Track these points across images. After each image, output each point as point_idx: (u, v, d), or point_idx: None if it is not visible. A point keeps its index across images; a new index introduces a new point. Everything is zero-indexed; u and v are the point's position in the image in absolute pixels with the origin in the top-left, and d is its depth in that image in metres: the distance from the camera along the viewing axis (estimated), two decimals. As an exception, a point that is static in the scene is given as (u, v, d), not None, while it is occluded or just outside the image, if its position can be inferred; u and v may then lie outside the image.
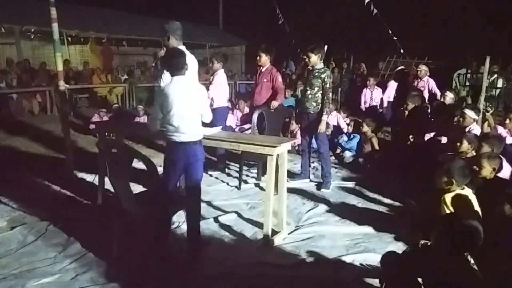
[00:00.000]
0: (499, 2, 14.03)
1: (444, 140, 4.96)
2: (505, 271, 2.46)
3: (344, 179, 5.15)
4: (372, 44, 14.99)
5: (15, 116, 9.00)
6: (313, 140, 4.85)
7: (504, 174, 3.56)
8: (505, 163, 3.60)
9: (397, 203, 4.24)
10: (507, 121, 4.93)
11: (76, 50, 13.95)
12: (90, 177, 4.80)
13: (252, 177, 5.10)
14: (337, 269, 2.93)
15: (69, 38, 12.20)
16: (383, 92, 8.32)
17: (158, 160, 5.31)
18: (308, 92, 4.60)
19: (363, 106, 8.42)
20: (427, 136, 5.31)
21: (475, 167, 3.36)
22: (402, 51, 11.75)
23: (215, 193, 4.50)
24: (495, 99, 8.13)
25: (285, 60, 15.29)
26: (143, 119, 7.85)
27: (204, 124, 3.12)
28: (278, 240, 3.34)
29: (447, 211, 2.85)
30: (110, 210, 3.58)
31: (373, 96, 8.32)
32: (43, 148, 6.36)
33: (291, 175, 4.94)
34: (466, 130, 4.51)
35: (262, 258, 3.06)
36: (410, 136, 5.43)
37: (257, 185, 4.82)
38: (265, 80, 5.21)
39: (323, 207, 4.10)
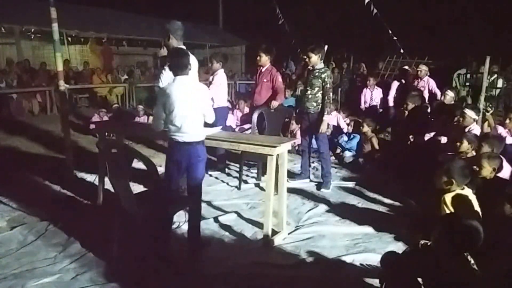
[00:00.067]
0: (499, 2, 14.03)
1: (444, 140, 4.96)
2: (505, 271, 2.46)
3: (344, 179, 5.15)
4: (372, 44, 14.99)
5: (15, 116, 9.01)
6: (313, 140, 4.86)
7: (504, 174, 3.56)
8: (505, 163, 3.60)
9: (397, 203, 4.24)
10: (507, 121, 4.93)
11: (76, 50, 13.96)
12: (90, 177, 4.80)
13: (252, 177, 5.10)
14: (337, 269, 2.93)
15: (69, 38, 12.21)
16: (384, 92, 8.32)
17: (158, 160, 5.34)
18: (309, 92, 4.60)
19: (363, 106, 8.42)
20: (427, 136, 5.31)
21: (475, 167, 3.36)
22: (402, 51, 11.75)
23: (215, 193, 4.50)
24: (495, 99, 8.15)
25: (285, 60, 15.29)
26: (143, 119, 7.85)
27: (204, 124, 3.12)
28: (278, 240, 3.34)
29: (447, 211, 2.85)
30: (110, 210, 3.59)
31: (373, 96, 8.32)
32: (43, 148, 6.36)
33: (291, 175, 4.94)
34: (466, 130, 4.51)
35: (262, 258, 3.06)
36: (410, 136, 5.44)
37: (257, 185, 4.82)
38: (265, 80, 5.21)
39: (323, 207, 4.10)
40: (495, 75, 8.32)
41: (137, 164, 3.93)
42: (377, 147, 5.89)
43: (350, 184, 4.88)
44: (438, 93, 6.88)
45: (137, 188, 4.01)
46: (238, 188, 4.69)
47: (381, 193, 4.49)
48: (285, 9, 13.14)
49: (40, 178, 4.84)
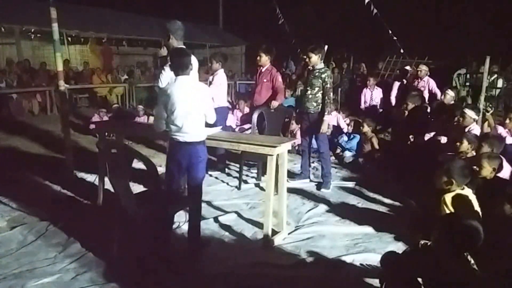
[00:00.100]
0: (499, 2, 14.03)
1: (444, 140, 4.96)
2: (505, 271, 2.46)
3: (344, 179, 5.15)
4: (372, 44, 14.99)
5: (15, 116, 9.01)
6: (313, 140, 4.86)
7: (504, 174, 3.56)
8: (505, 163, 3.60)
9: (397, 203, 4.24)
10: (507, 121, 4.93)
11: (76, 50, 13.97)
12: (90, 177, 4.80)
13: (252, 177, 5.10)
14: (337, 269, 2.93)
15: (69, 38, 12.21)
16: (384, 92, 8.32)
17: (158, 160, 5.34)
18: (309, 92, 4.60)
19: (363, 106, 8.42)
20: (427, 136, 5.31)
21: (475, 167, 3.36)
22: (402, 51, 11.74)
23: (215, 193, 4.50)
24: (495, 99, 8.14)
25: (285, 60, 15.29)
26: (143, 119, 7.85)
27: (205, 124, 3.12)
28: (278, 240, 3.34)
29: (447, 211, 2.85)
30: (110, 210, 3.59)
31: (373, 96, 8.32)
32: (43, 148, 6.36)
33: (291, 175, 4.95)
34: (466, 130, 4.51)
35: (262, 258, 3.06)
36: (410, 136, 5.44)
37: (257, 185, 4.82)
38: (265, 80, 5.21)
39: (323, 207, 4.10)
40: (495, 75, 8.32)
41: (137, 164, 3.94)
42: (377, 147, 5.89)
43: (350, 184, 4.88)
44: (438, 93, 6.88)
45: (137, 188, 4.01)
46: (238, 188, 4.69)
47: (381, 193, 4.49)
48: (285, 9, 13.14)
49: (40, 178, 4.84)
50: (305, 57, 5.03)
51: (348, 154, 6.01)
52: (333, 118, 6.88)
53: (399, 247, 3.11)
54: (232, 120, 7.54)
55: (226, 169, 5.38)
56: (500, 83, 8.41)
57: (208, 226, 3.57)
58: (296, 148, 6.07)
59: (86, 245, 3.19)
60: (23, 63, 10.99)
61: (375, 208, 4.17)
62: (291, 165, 5.36)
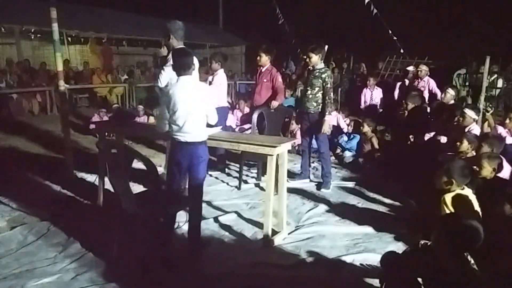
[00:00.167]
0: (499, 2, 14.02)
1: (444, 140, 4.96)
2: (505, 271, 2.46)
3: (344, 179, 5.15)
4: (372, 44, 14.98)
5: (15, 116, 9.01)
6: (313, 140, 4.86)
7: (504, 174, 3.56)
8: (505, 163, 3.60)
9: (397, 203, 4.24)
10: (507, 121, 4.93)
11: (76, 50, 13.96)
12: (90, 177, 4.80)
13: (252, 177, 5.10)
14: (337, 269, 2.93)
15: (69, 38, 12.21)
16: (384, 92, 8.32)
17: (158, 160, 5.35)
18: (309, 92, 4.60)
19: (363, 106, 8.42)
20: (427, 136, 5.32)
21: (475, 167, 3.36)
22: (402, 51, 11.74)
23: (215, 193, 4.50)
24: (495, 99, 8.13)
25: (285, 60, 15.28)
26: (143, 119, 7.86)
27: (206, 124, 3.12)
28: (278, 240, 3.34)
29: (447, 211, 2.85)
30: (110, 210, 3.59)
31: (373, 96, 8.31)
32: (43, 148, 6.36)
33: (291, 175, 4.94)
34: (466, 130, 4.51)
35: (262, 258, 3.06)
36: (410, 136, 5.43)
37: (257, 185, 4.82)
38: (265, 80, 5.21)
39: (323, 207, 4.10)
40: (495, 75, 8.31)
41: (137, 164, 3.93)
42: (377, 147, 5.89)
43: (350, 184, 4.88)
44: (438, 93, 6.88)
45: (137, 188, 4.01)
46: (238, 188, 4.69)
47: (381, 193, 4.49)
48: (285, 9, 13.14)
49: (40, 178, 4.84)
50: (305, 57, 5.02)
51: (348, 154, 6.01)
52: (333, 118, 6.88)
53: (399, 247, 3.11)
54: (232, 120, 7.54)
55: (226, 169, 5.38)
56: (500, 83, 8.40)
57: (208, 226, 3.57)
58: (296, 148, 6.07)
59: (86, 245, 3.19)
60: (23, 63, 10.99)
61: (375, 208, 4.17)
62: (291, 165, 5.36)
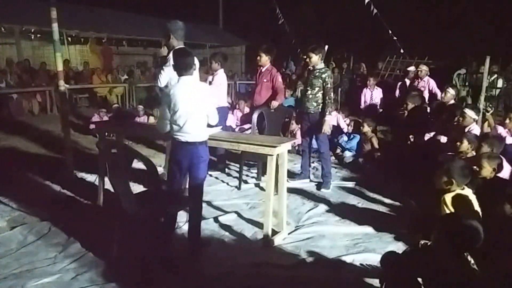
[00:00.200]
0: (499, 2, 14.03)
1: (443, 139, 4.97)
2: (505, 271, 2.46)
3: (344, 179, 5.15)
4: (372, 44, 14.98)
5: (15, 116, 9.01)
6: (313, 140, 4.86)
7: (504, 174, 3.56)
8: (505, 163, 3.60)
9: (397, 203, 4.24)
10: (507, 121, 4.92)
11: (76, 50, 13.97)
12: (90, 177, 4.81)
13: (252, 177, 5.10)
14: (337, 269, 2.93)
15: (69, 38, 12.21)
16: (384, 92, 8.33)
17: (158, 160, 5.35)
18: (309, 92, 4.59)
19: (363, 106, 8.42)
20: (427, 136, 5.32)
21: (475, 167, 3.36)
22: (402, 51, 11.74)
23: (215, 193, 4.50)
24: (495, 99, 8.14)
25: (285, 60, 15.28)
26: (143, 119, 7.86)
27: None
28: (278, 240, 3.34)
29: (447, 211, 2.85)
30: (110, 210, 3.59)
31: (373, 96, 8.32)
32: (43, 148, 6.36)
33: (291, 175, 4.94)
34: (466, 130, 4.51)
35: (262, 258, 3.05)
36: (410, 136, 5.43)
37: (257, 185, 4.82)
38: (265, 80, 5.21)
39: (323, 207, 4.10)
40: (495, 75, 8.32)
41: (137, 164, 3.93)
42: (377, 147, 5.89)
43: (350, 184, 4.88)
44: (438, 93, 6.88)
45: (137, 188, 4.01)
46: (238, 188, 4.69)
47: (381, 193, 4.49)
48: (285, 9, 13.14)
49: (40, 178, 4.84)
50: (305, 57, 5.02)
51: (348, 154, 6.00)
52: (333, 118, 6.88)
53: (399, 247, 3.11)
54: (232, 120, 7.54)
55: (226, 169, 5.38)
56: (500, 83, 8.41)
57: (208, 226, 3.57)
58: (296, 148, 6.07)
59: (86, 245, 3.19)
60: (23, 63, 10.99)
61: (375, 208, 4.17)
62: (291, 165, 5.36)
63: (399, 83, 8.00)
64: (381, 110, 8.11)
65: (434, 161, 3.92)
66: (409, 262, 2.26)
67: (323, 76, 4.50)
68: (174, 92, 2.89)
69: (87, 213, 3.87)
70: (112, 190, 3.04)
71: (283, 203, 3.45)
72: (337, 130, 6.79)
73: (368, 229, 3.57)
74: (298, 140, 5.58)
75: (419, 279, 2.14)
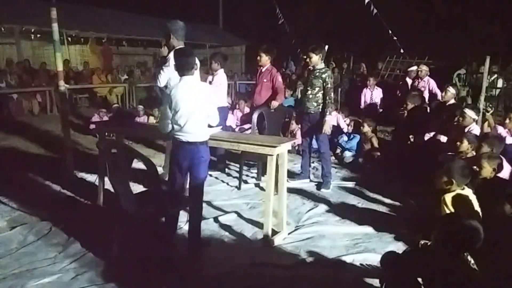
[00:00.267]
0: (499, 2, 14.03)
1: (443, 138, 4.97)
2: (505, 271, 2.46)
3: (344, 179, 5.15)
4: (372, 44, 14.98)
5: (15, 116, 9.00)
6: (313, 140, 4.86)
7: (504, 174, 3.56)
8: (505, 163, 3.60)
9: (397, 203, 4.24)
10: (507, 121, 4.92)
11: (76, 50, 13.96)
12: (90, 177, 4.80)
13: (252, 177, 5.10)
14: (337, 269, 2.93)
15: (69, 38, 12.20)
16: (384, 92, 8.33)
17: (158, 160, 5.34)
18: (309, 92, 4.59)
19: (363, 106, 8.42)
20: (427, 136, 5.32)
21: (475, 167, 3.36)
22: (402, 51, 11.74)
23: (215, 193, 4.50)
24: (495, 99, 8.14)
25: (285, 60, 15.28)
26: (143, 119, 7.86)
27: (206, 124, 3.12)
28: (278, 240, 3.34)
29: (447, 211, 2.85)
30: (110, 210, 3.59)
31: (373, 96, 8.32)
32: (43, 148, 6.36)
33: (291, 175, 4.94)
34: (466, 130, 4.51)
35: (262, 258, 3.06)
36: (410, 136, 5.43)
37: (257, 185, 4.82)
38: (265, 80, 5.21)
39: (323, 207, 4.10)
40: (495, 75, 8.31)
41: (137, 164, 3.93)
42: (377, 146, 5.89)
43: (350, 184, 4.88)
44: (439, 93, 6.88)
45: (137, 188, 4.01)
46: (238, 188, 4.69)
47: (381, 193, 4.49)
48: (285, 9, 13.14)
49: (40, 178, 4.84)
50: (305, 57, 5.03)
51: (348, 154, 6.00)
52: (333, 118, 6.87)
53: (399, 247, 3.11)
54: (232, 120, 7.54)
55: (226, 169, 5.38)
56: (500, 83, 8.41)
57: (208, 226, 3.57)
58: (296, 148, 6.07)
59: (86, 245, 3.19)
60: (23, 63, 10.99)
61: (375, 208, 4.16)
62: (291, 165, 5.36)
63: (400, 83, 7.99)
64: (381, 110, 8.11)
65: (434, 161, 3.93)
66: (409, 262, 2.26)
67: (323, 76, 4.50)
68: (175, 92, 2.89)
69: (87, 213, 3.87)
70: (112, 190, 3.04)
71: (283, 203, 3.45)
72: (337, 130, 6.79)
73: (368, 229, 3.56)
74: (298, 140, 5.58)
75: (419, 279, 2.14)
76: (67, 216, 3.72)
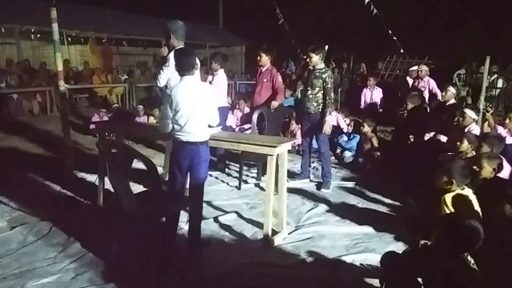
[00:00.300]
0: (499, 2, 14.03)
1: (443, 138, 4.97)
2: (505, 271, 2.47)
3: (344, 179, 5.15)
4: (372, 44, 14.98)
5: (15, 116, 9.00)
6: (313, 140, 4.86)
7: (504, 174, 3.56)
8: (505, 163, 3.61)
9: (397, 203, 4.24)
10: (507, 121, 4.92)
11: (76, 50, 13.97)
12: (90, 177, 4.80)
13: (252, 177, 5.10)
14: (337, 269, 2.93)
15: (69, 38, 12.21)
16: (384, 92, 8.33)
17: (158, 160, 5.34)
18: (309, 92, 4.59)
19: (363, 106, 8.42)
20: (427, 136, 5.32)
21: (475, 167, 3.36)
22: (402, 51, 11.74)
23: (215, 193, 4.50)
24: (495, 99, 8.13)
25: (285, 60, 15.28)
26: (143, 119, 7.86)
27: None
28: (278, 240, 3.34)
29: (447, 211, 2.85)
30: (110, 210, 3.59)
31: (373, 96, 8.32)
32: (43, 148, 6.36)
33: (291, 175, 4.94)
34: (466, 130, 4.51)
35: (262, 258, 3.06)
36: (410, 136, 5.43)
37: (257, 185, 4.82)
38: (265, 80, 5.21)
39: (323, 207, 4.10)
40: (495, 75, 8.31)
41: (137, 164, 3.93)
42: (377, 146, 5.88)
43: (350, 184, 4.88)
44: (439, 93, 6.88)
45: (137, 188, 4.01)
46: (238, 188, 4.69)
47: (381, 193, 4.49)
48: (285, 9, 13.13)
49: (40, 178, 4.84)
50: (305, 57, 5.02)
51: (348, 154, 6.00)
52: (333, 118, 6.87)
53: (399, 247, 3.11)
54: (232, 120, 7.54)
55: (226, 169, 5.38)
56: (500, 83, 8.41)
57: (208, 226, 3.57)
58: (296, 148, 6.07)
59: (86, 245, 3.19)
60: (23, 63, 10.99)
61: (375, 208, 4.17)
62: (291, 165, 5.36)
63: (401, 83, 7.99)
64: (381, 110, 8.11)
65: (434, 161, 3.92)
66: (409, 262, 2.26)
67: (324, 76, 4.50)
68: (176, 92, 2.89)
69: (87, 213, 3.87)
70: (112, 190, 3.04)
71: (283, 203, 3.45)
72: (337, 130, 6.79)
73: (368, 229, 3.56)
74: (298, 140, 5.58)
75: (419, 279, 2.14)
76: (67, 216, 3.72)
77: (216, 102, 3.38)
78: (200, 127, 2.97)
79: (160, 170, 4.48)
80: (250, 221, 3.76)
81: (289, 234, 3.50)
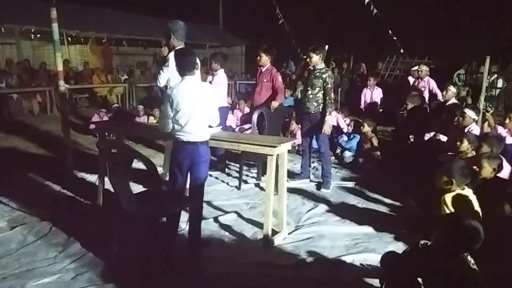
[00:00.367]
0: (499, 2, 14.03)
1: (443, 138, 4.96)
2: (505, 271, 2.46)
3: (344, 179, 5.15)
4: (372, 44, 14.98)
5: (15, 116, 9.01)
6: (313, 140, 4.86)
7: (504, 174, 3.56)
8: (505, 163, 3.61)
9: (397, 203, 4.24)
10: (507, 121, 4.92)
11: (76, 50, 13.98)
12: (90, 177, 4.80)
13: (252, 177, 5.10)
14: (337, 269, 2.93)
15: (69, 38, 12.22)
16: (384, 92, 8.33)
17: (158, 160, 5.34)
18: (309, 92, 4.59)
19: (363, 106, 8.42)
20: (427, 136, 5.32)
21: (475, 167, 3.36)
22: (402, 51, 11.74)
23: (215, 193, 4.50)
24: (495, 99, 8.14)
25: (285, 60, 15.28)
26: (143, 119, 7.86)
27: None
28: (278, 240, 3.34)
29: (447, 211, 2.85)
30: (110, 210, 3.59)
31: (373, 96, 8.32)
32: (43, 148, 6.36)
33: (291, 175, 4.94)
34: (466, 130, 4.51)
35: (262, 258, 3.06)
36: (410, 136, 5.43)
37: (257, 185, 4.82)
38: (265, 80, 5.21)
39: (323, 207, 4.10)
40: (495, 75, 8.32)
41: (137, 164, 3.93)
42: (377, 146, 5.89)
43: (350, 184, 4.88)
44: (439, 93, 6.88)
45: (137, 188, 4.01)
46: (238, 188, 4.69)
47: (381, 193, 4.49)
48: (285, 9, 13.14)
49: (40, 178, 4.84)
50: (305, 57, 5.02)
51: (348, 154, 6.00)
52: (333, 118, 6.87)
53: (399, 247, 3.11)
54: (232, 120, 7.54)
55: (226, 169, 5.38)
56: (500, 83, 8.42)
57: (208, 226, 3.57)
58: (296, 148, 6.07)
59: (86, 245, 3.19)
60: (23, 63, 11.00)
61: (375, 208, 4.17)
62: (291, 165, 5.36)
63: (402, 82, 8.00)
64: (381, 110, 8.11)
65: (434, 161, 3.93)
66: (409, 262, 2.26)
67: (324, 76, 4.50)
68: (176, 92, 2.89)
69: (87, 213, 3.87)
70: (112, 190, 3.04)
71: (283, 203, 3.44)
72: (337, 130, 6.80)
73: (368, 229, 3.56)
74: (298, 140, 5.58)
75: (419, 279, 2.14)
76: (67, 216, 3.72)
77: (217, 102, 3.38)
78: (200, 127, 2.97)
79: (160, 170, 4.48)
80: (250, 221, 3.76)
81: (289, 234, 3.49)
